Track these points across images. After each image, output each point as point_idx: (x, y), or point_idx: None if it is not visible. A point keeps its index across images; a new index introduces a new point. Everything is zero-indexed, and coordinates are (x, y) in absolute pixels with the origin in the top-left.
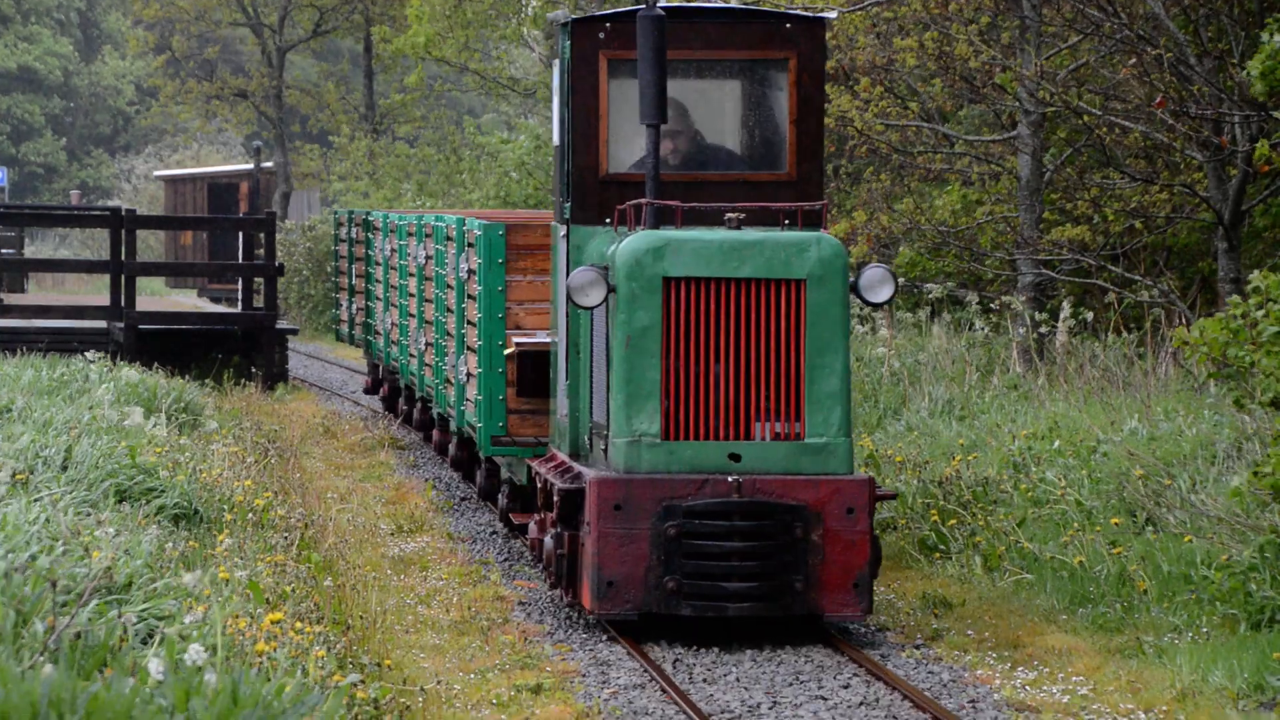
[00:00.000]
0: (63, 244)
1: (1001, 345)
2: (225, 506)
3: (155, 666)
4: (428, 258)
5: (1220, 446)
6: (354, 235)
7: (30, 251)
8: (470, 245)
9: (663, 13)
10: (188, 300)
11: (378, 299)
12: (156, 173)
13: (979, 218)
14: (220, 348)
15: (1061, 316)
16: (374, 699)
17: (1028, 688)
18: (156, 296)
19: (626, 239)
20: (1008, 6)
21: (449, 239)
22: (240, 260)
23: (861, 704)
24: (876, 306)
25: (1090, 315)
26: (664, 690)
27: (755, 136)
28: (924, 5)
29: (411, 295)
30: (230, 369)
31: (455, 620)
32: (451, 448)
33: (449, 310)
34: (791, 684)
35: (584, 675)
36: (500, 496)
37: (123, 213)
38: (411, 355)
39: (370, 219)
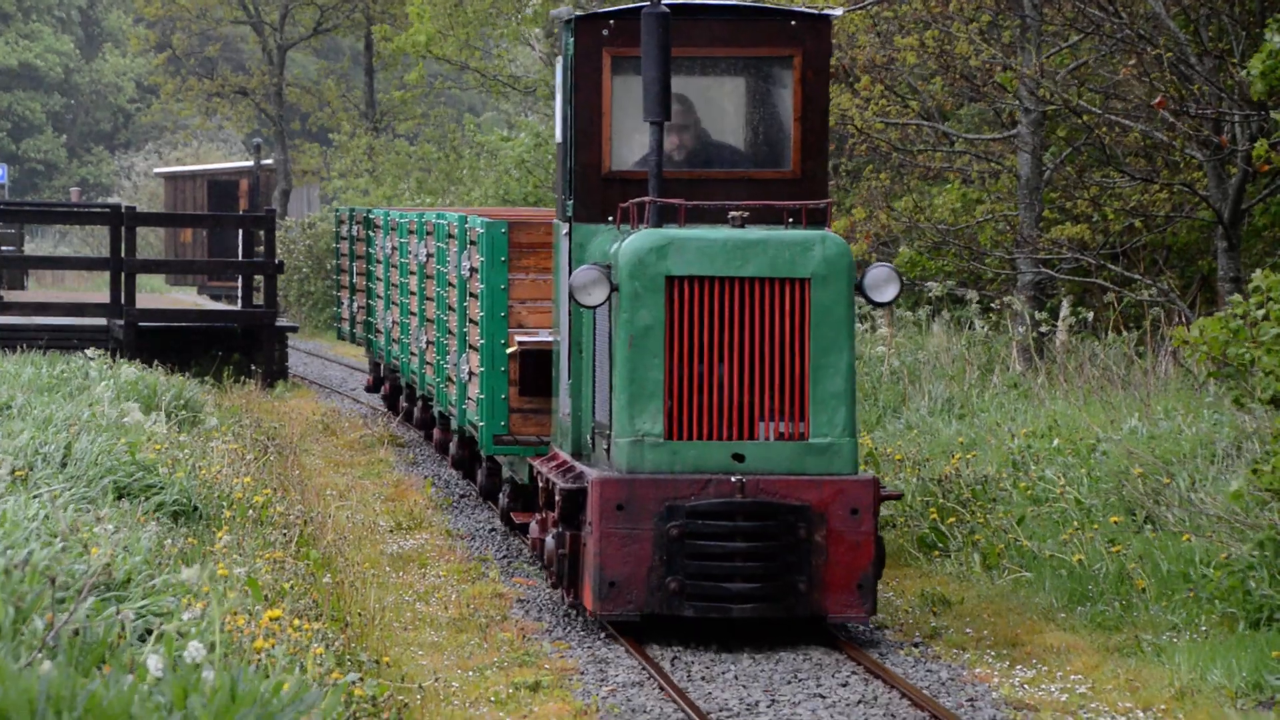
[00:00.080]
0: (63, 241)
1: (1001, 344)
2: (224, 503)
3: (154, 663)
4: (429, 255)
5: (1220, 445)
6: (355, 233)
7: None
8: (472, 243)
9: (667, 9)
10: (188, 297)
11: (378, 297)
12: (156, 170)
13: (978, 216)
14: (220, 345)
15: (1061, 315)
16: (372, 696)
17: (1026, 686)
18: (156, 294)
19: (629, 237)
20: (1008, 5)
21: (450, 237)
22: (240, 258)
23: (860, 702)
24: (882, 306)
25: (1090, 314)
26: (662, 688)
27: (759, 134)
28: (924, 4)
29: (412, 293)
30: (230, 366)
31: (454, 618)
32: (452, 446)
33: (450, 308)
34: (790, 682)
35: (582, 673)
36: (501, 496)
37: (123, 210)
38: (412, 354)
39: (371, 217)
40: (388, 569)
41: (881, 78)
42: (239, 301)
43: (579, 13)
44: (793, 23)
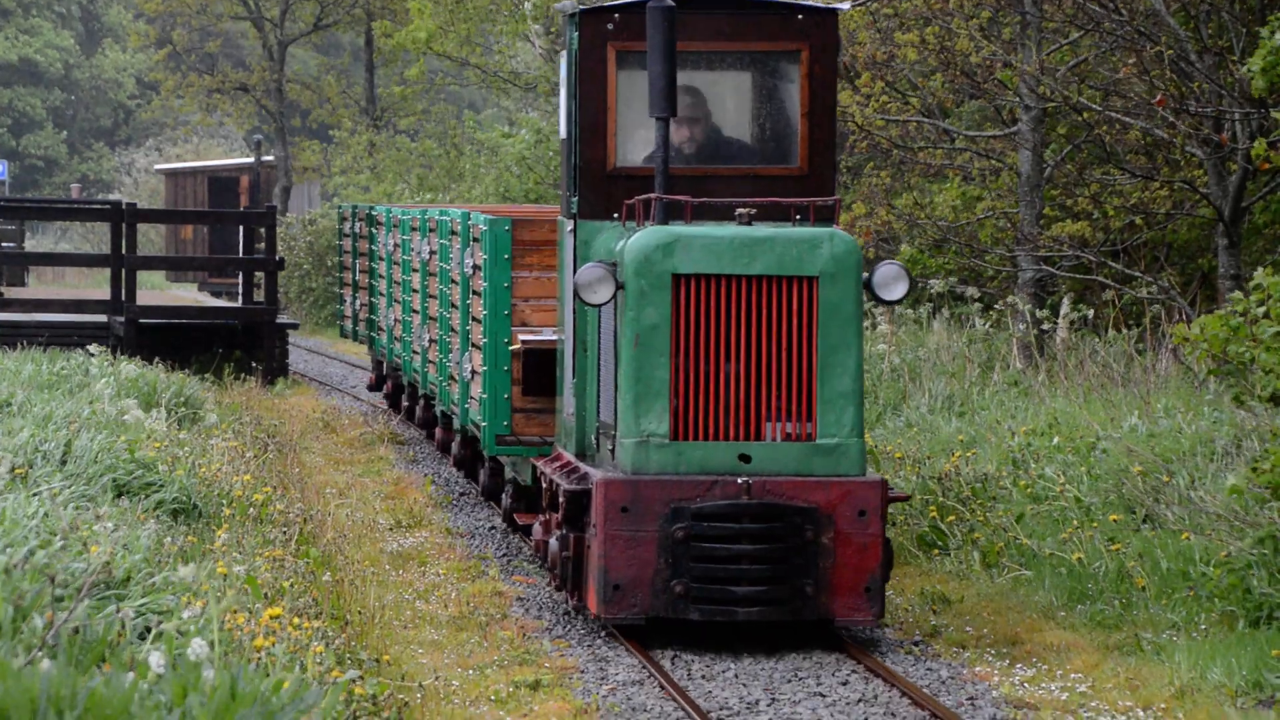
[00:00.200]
0: (63, 238)
1: (1001, 341)
2: (224, 501)
3: (156, 660)
4: (432, 253)
5: (1219, 443)
6: (358, 230)
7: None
8: (475, 240)
9: (672, 3)
10: (188, 294)
11: (381, 295)
12: (157, 166)
13: (979, 213)
14: (220, 342)
15: (1062, 312)
16: (372, 695)
17: (1026, 685)
18: (157, 290)
19: (635, 234)
20: (1008, 2)
21: (453, 234)
22: (241, 254)
23: (860, 701)
24: (891, 304)
25: (1090, 312)
26: (662, 687)
27: (766, 130)
28: (925, 1)
29: (415, 291)
30: (230, 363)
31: (454, 616)
32: (454, 446)
33: (453, 306)
34: (790, 681)
35: (583, 671)
36: (504, 496)
37: (123, 206)
38: (414, 352)
39: (374, 213)
40: (387, 567)
41: (882, 74)
42: (239, 298)
43: (583, 6)
44: (799, 16)
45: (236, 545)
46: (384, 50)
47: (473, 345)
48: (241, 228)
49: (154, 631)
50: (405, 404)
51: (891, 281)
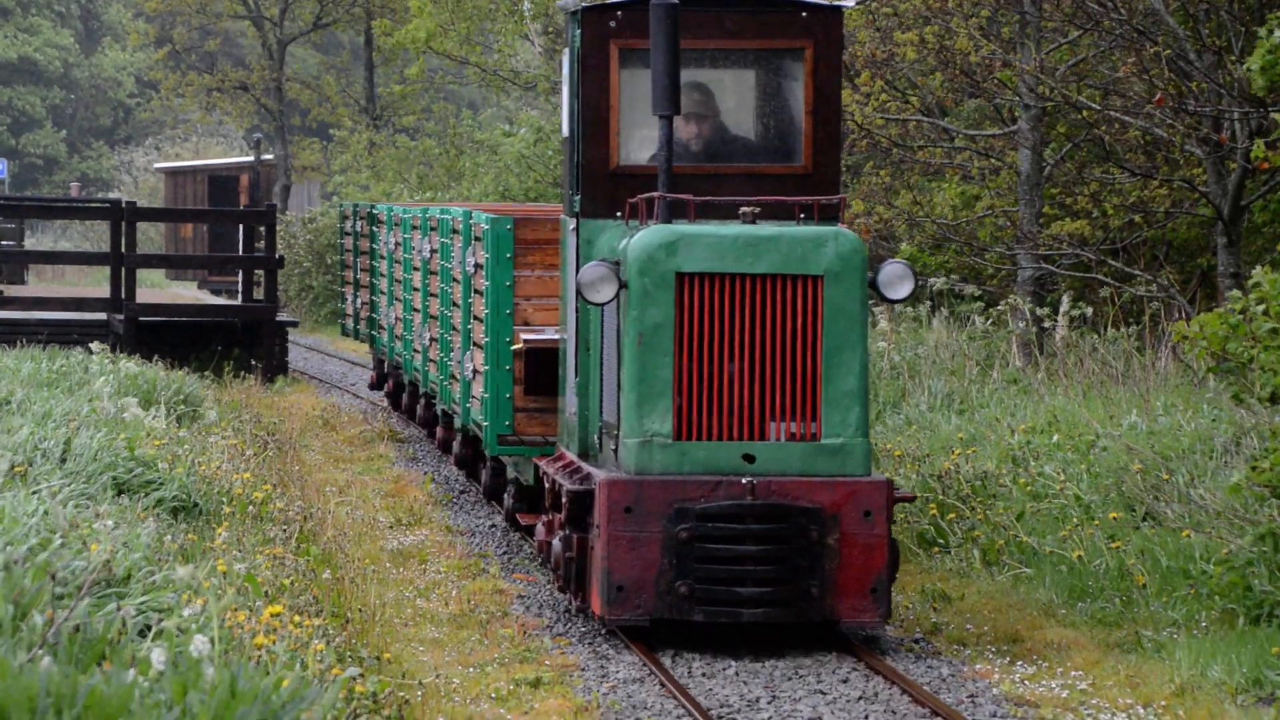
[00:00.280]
0: (63, 236)
1: (1001, 339)
2: (224, 499)
3: (158, 656)
4: (433, 251)
5: (1219, 441)
6: (359, 228)
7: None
8: (477, 239)
9: (675, 1)
10: (188, 292)
11: (381, 293)
12: (157, 165)
13: (978, 212)
14: (220, 340)
15: (1061, 310)
16: (373, 693)
17: (1027, 682)
18: (156, 289)
19: (638, 233)
20: (1007, 1)
21: (455, 232)
22: (240, 253)
23: (860, 698)
24: (896, 303)
25: (1089, 310)
26: (663, 685)
27: (770, 128)
28: (924, 0)
29: (416, 290)
30: (230, 361)
31: (454, 614)
32: (456, 445)
33: (454, 305)
34: (790, 679)
35: (583, 669)
36: (506, 496)
37: (123, 205)
38: (415, 351)
39: (375, 212)
40: (388, 565)
41: (881, 73)
42: (239, 296)
43: (586, 3)
44: (804, 14)
45: (236, 543)
46: (383, 49)
47: (474, 344)
48: (241, 226)
49: (154, 629)
50: (406, 402)
51: (897, 280)
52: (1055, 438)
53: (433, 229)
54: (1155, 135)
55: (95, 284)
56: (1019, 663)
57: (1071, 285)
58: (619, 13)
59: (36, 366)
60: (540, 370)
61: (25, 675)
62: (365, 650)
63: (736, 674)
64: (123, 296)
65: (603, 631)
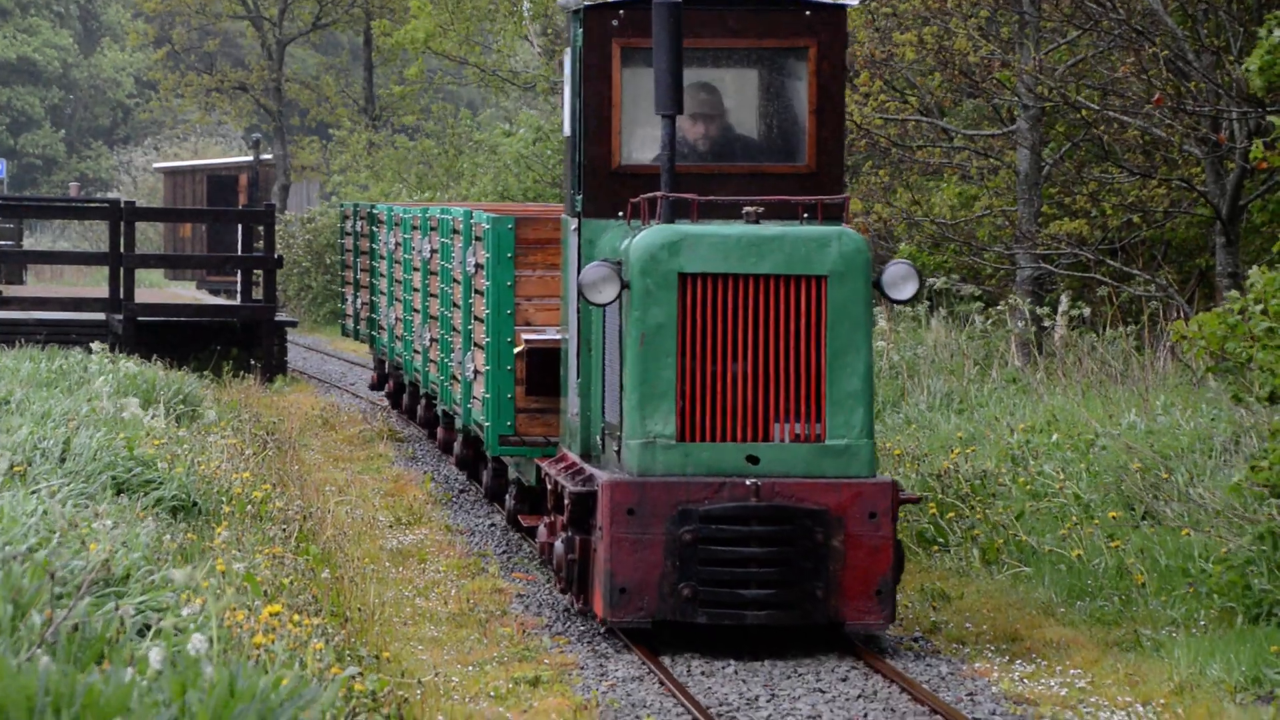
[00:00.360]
0: (61, 236)
1: (1000, 339)
2: (223, 499)
3: (156, 655)
4: (433, 252)
5: (1218, 440)
6: (359, 228)
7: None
8: (478, 239)
9: None
10: (187, 292)
11: (382, 294)
12: (155, 165)
13: (977, 211)
14: (219, 340)
15: (1060, 310)
16: (372, 691)
17: (1026, 681)
18: (155, 289)
19: (641, 233)
20: (1006, 1)
21: (455, 232)
22: (239, 252)
23: (860, 697)
24: (901, 304)
25: (1088, 310)
26: (662, 683)
27: (774, 127)
28: (923, 0)
29: (416, 290)
30: (229, 361)
31: (453, 612)
32: (457, 446)
33: (455, 305)
34: (790, 677)
35: (582, 668)
36: (508, 497)
37: (122, 205)
38: (416, 351)
39: (375, 212)
40: (387, 564)
41: (880, 73)
42: (238, 296)
43: (587, 2)
44: (807, 13)
45: (236, 543)
46: (382, 49)
47: (475, 344)
48: (240, 226)
49: (153, 629)
50: (406, 403)
51: (901, 281)
52: (1054, 437)
53: (433, 229)
54: (1154, 135)
55: (94, 284)
56: (1018, 661)
57: (1070, 285)
58: (621, 11)
59: (36, 366)
60: (542, 370)
61: (24, 674)
62: (364, 649)
63: (735, 673)
64: (121, 296)
65: (602, 630)
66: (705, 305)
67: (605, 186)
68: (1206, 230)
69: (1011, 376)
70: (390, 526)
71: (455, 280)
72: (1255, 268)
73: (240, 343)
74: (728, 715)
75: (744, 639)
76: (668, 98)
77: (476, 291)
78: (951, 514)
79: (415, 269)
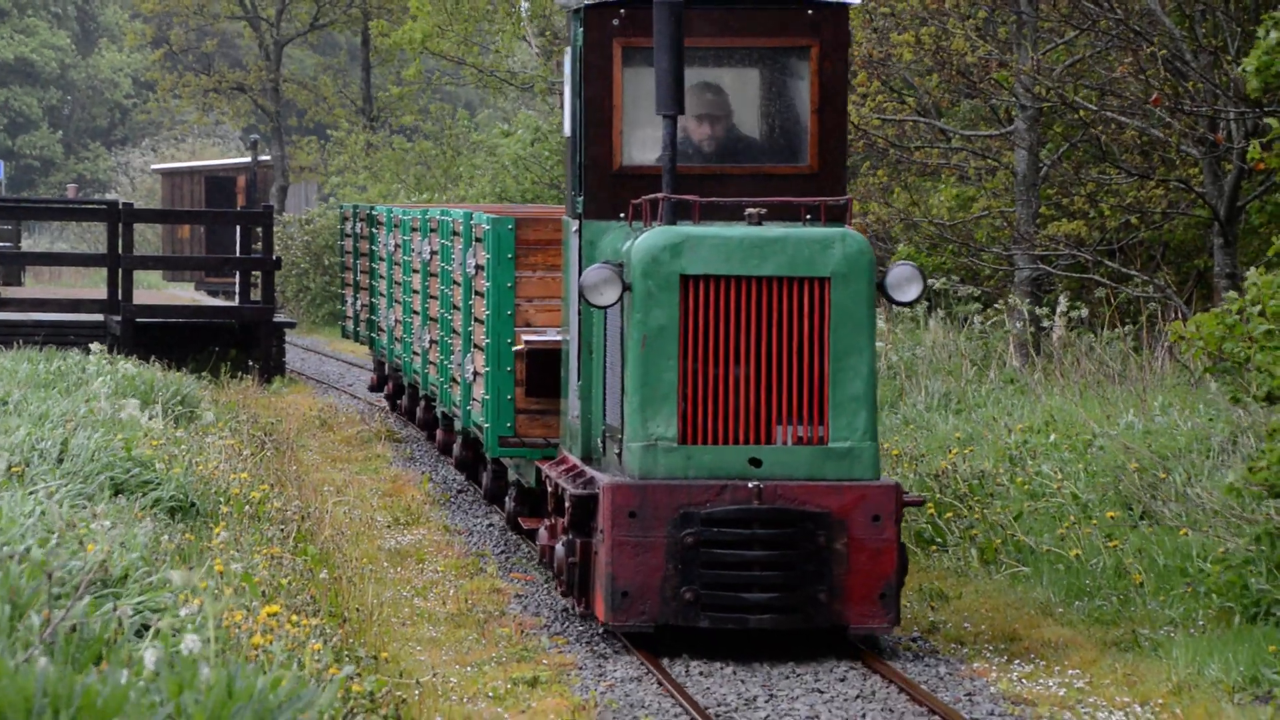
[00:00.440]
0: (59, 237)
1: (998, 339)
2: (221, 499)
3: (151, 657)
4: (433, 253)
5: (1215, 440)
6: (359, 230)
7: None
8: (478, 240)
9: None
10: (185, 293)
11: (381, 295)
12: (153, 166)
13: (975, 212)
14: (217, 341)
15: (1058, 310)
16: (370, 692)
17: (1024, 680)
18: (154, 290)
19: (642, 235)
20: (1004, 2)
21: (455, 234)
22: (238, 254)
23: (858, 697)
24: (904, 305)
25: (1086, 310)
26: (661, 684)
27: (776, 127)
28: (921, 1)
29: (415, 291)
30: (227, 362)
31: (452, 613)
32: (456, 448)
33: (455, 307)
34: (788, 677)
35: (581, 668)
36: (508, 499)
37: (120, 206)
38: (415, 353)
39: (374, 213)
40: (385, 564)
41: (878, 73)
42: (236, 297)
43: (588, 1)
44: (809, 11)
45: (234, 543)
46: (380, 50)
47: (475, 346)
48: (238, 227)
49: (152, 629)
50: (406, 405)
51: (905, 283)
52: (1052, 437)
53: (433, 230)
54: (1152, 136)
55: (92, 285)
56: (1016, 661)
57: (1068, 285)
58: (622, 11)
59: (34, 367)
60: (542, 372)
61: (21, 675)
62: (362, 649)
63: (734, 673)
64: (120, 298)
65: (600, 631)
66: (707, 307)
67: (606, 187)
68: (1204, 231)
69: (1010, 377)
70: (388, 527)
71: (455, 282)
72: (1253, 269)
73: (238, 344)
74: (726, 715)
75: (744, 640)
76: (669, 98)
77: (476, 293)
78: (950, 514)
79: (415, 270)
